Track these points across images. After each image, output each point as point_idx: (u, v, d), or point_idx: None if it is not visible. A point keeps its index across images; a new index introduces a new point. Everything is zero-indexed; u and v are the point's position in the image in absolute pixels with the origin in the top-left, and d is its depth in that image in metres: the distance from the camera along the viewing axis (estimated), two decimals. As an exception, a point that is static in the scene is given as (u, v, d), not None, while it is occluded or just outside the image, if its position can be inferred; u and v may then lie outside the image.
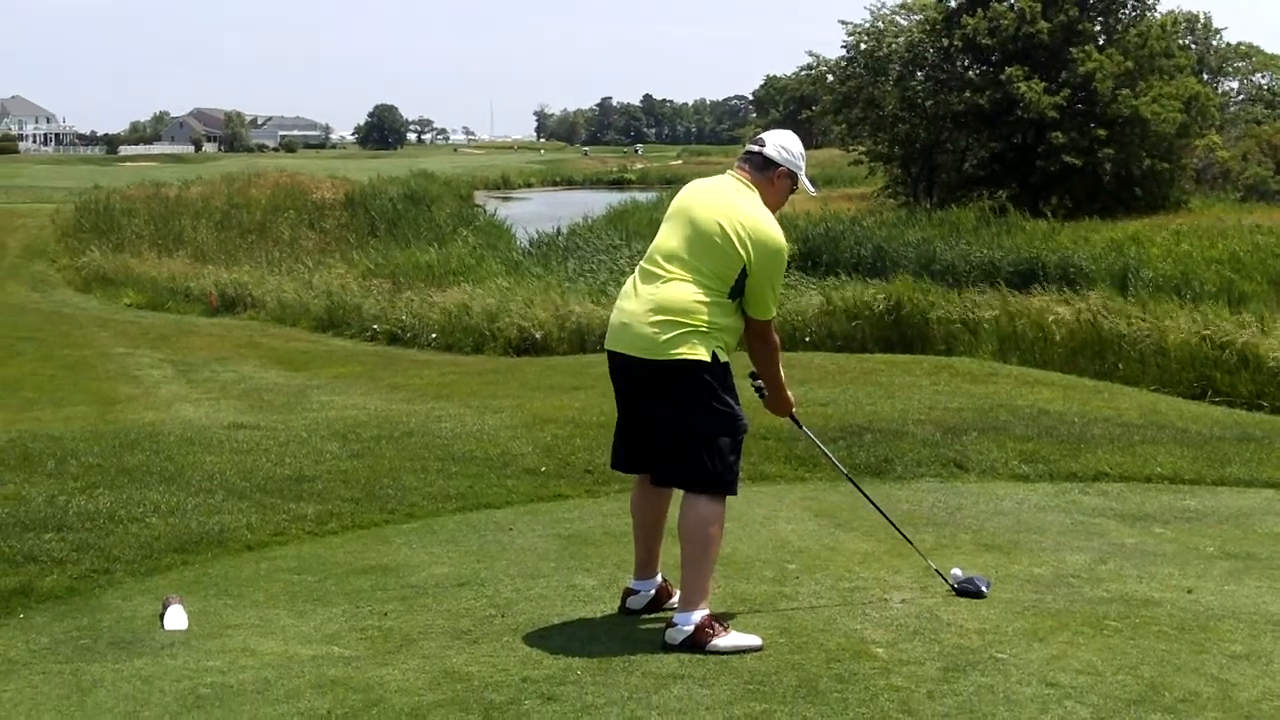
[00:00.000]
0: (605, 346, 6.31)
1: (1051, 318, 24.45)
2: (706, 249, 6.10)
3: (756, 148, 6.39)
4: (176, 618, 6.67)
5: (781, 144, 6.38)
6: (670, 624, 6.07)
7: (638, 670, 5.69)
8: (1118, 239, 43.40)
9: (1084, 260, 36.48)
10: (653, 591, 6.56)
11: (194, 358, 25.07)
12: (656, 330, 6.03)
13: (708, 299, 6.06)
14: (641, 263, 6.33)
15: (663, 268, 6.16)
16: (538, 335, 28.51)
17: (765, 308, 6.20)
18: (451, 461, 10.45)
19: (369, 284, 36.92)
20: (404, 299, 33.69)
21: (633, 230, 48.24)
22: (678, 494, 6.29)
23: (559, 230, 49.19)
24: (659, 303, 6.07)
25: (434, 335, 30.13)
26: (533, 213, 68.24)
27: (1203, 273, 33.79)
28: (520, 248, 46.94)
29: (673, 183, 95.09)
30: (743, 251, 6.04)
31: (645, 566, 6.56)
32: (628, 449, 6.43)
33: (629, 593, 6.59)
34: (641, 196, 74.70)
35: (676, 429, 6.08)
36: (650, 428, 6.21)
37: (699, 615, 6.00)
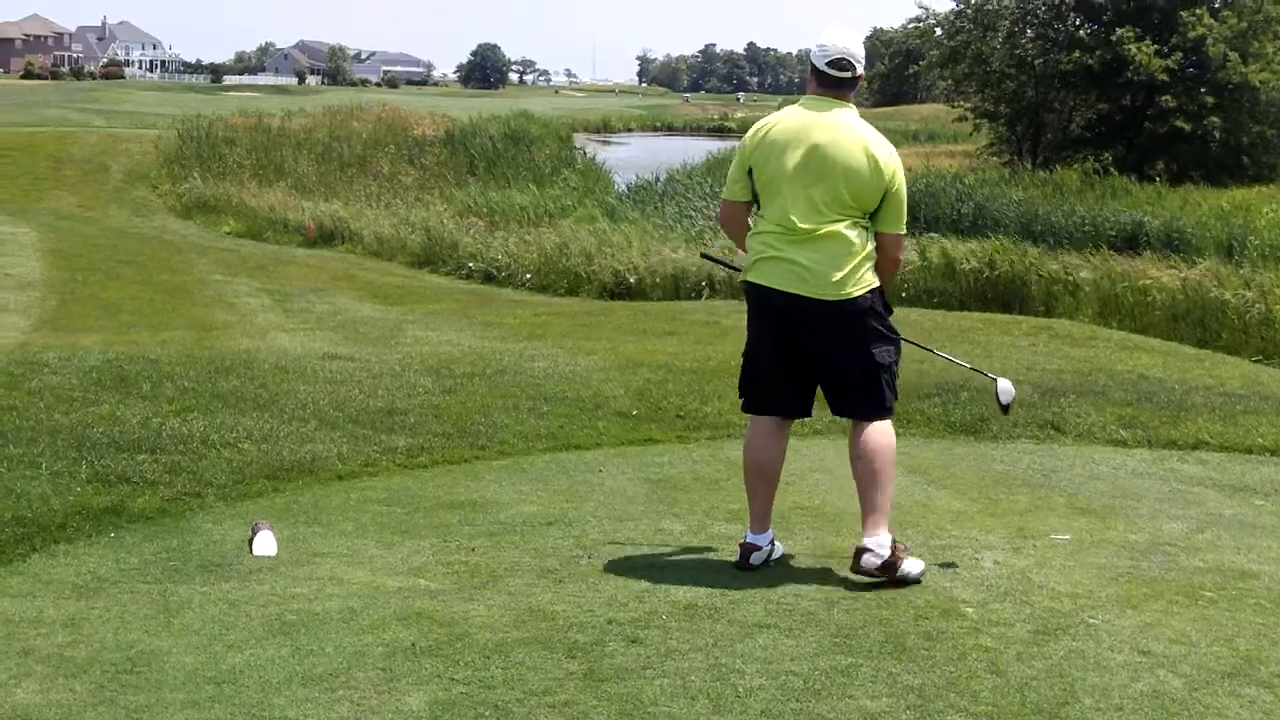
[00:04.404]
0: (771, 285, 6.24)
1: (1154, 283, 24.08)
2: (855, 186, 6.17)
3: (849, 73, 6.27)
4: (266, 543, 6.71)
5: (862, 57, 6.34)
6: (863, 549, 6.15)
7: (723, 618, 5.65)
8: (1224, 207, 42.69)
9: (1189, 226, 35.90)
10: (771, 545, 6.53)
11: (290, 288, 25.21)
12: (834, 269, 6.15)
13: (862, 229, 6.24)
14: (778, 215, 6.22)
15: (820, 213, 6.16)
16: (632, 279, 28.42)
17: (903, 221, 6.36)
18: (543, 401, 10.44)
19: (466, 222, 36.94)
20: (500, 238, 33.72)
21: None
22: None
23: (657, 177, 48.99)
24: (830, 244, 6.16)
25: (529, 275, 30.14)
26: (631, 158, 68.07)
27: (1313, 244, 33.13)
28: (618, 192, 46.78)
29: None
30: (887, 176, 6.19)
31: (765, 518, 6.52)
32: (787, 392, 6.43)
33: (750, 549, 6.46)
34: (742, 145, 74.09)
35: (861, 362, 6.26)
36: (826, 365, 6.31)
37: (889, 536, 6.19)
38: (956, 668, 5.14)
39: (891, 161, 6.22)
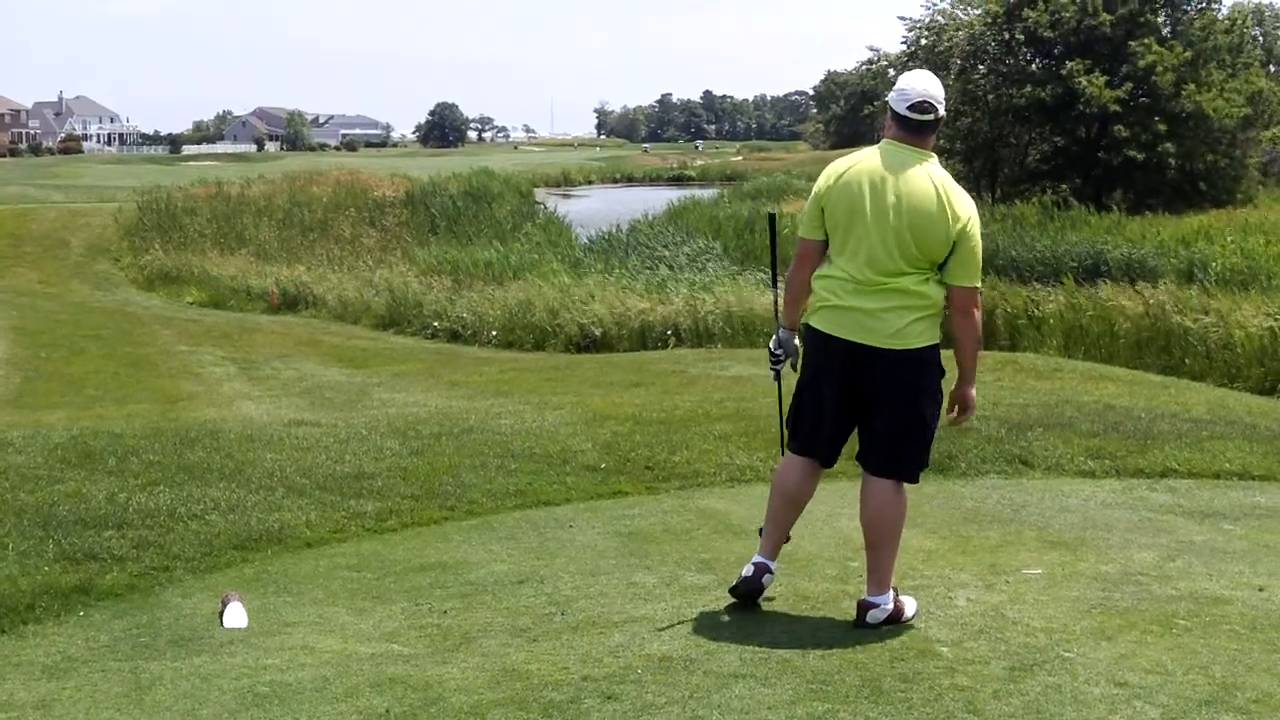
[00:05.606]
0: (832, 333, 6.16)
1: (1117, 312, 24.21)
2: (923, 240, 6.05)
3: (930, 116, 6.15)
4: (236, 615, 6.67)
5: (942, 98, 6.20)
6: (868, 605, 6.19)
7: (699, 669, 5.62)
8: (1183, 233, 42.97)
9: (1149, 254, 36.11)
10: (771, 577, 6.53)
11: (256, 355, 25.17)
12: (897, 319, 6.05)
13: (929, 281, 6.10)
14: (844, 261, 6.15)
15: (888, 264, 6.05)
16: (598, 332, 28.51)
17: (972, 274, 6.18)
18: (511, 458, 10.42)
19: (429, 281, 36.98)
20: (464, 296, 33.75)
21: (693, 227, 48.08)
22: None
23: (618, 228, 49.03)
24: (895, 296, 6.05)
25: (494, 332, 30.18)
26: (593, 210, 68.19)
27: (1271, 267, 33.35)
28: (581, 244, 46.80)
29: (733, 179, 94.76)
30: (955, 229, 6.04)
31: (778, 548, 6.51)
32: (832, 440, 6.38)
33: (764, 570, 6.44)
34: (702, 193, 74.48)
35: (906, 419, 6.18)
36: (875, 418, 6.21)
37: (892, 593, 6.23)
38: (934, 709, 5.11)
39: (963, 212, 6.05)
